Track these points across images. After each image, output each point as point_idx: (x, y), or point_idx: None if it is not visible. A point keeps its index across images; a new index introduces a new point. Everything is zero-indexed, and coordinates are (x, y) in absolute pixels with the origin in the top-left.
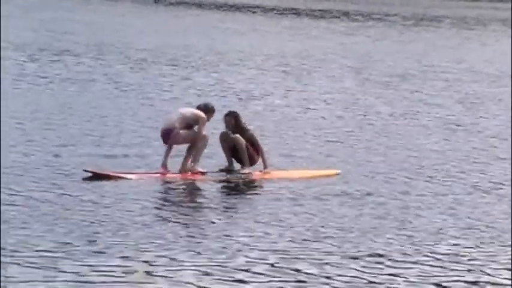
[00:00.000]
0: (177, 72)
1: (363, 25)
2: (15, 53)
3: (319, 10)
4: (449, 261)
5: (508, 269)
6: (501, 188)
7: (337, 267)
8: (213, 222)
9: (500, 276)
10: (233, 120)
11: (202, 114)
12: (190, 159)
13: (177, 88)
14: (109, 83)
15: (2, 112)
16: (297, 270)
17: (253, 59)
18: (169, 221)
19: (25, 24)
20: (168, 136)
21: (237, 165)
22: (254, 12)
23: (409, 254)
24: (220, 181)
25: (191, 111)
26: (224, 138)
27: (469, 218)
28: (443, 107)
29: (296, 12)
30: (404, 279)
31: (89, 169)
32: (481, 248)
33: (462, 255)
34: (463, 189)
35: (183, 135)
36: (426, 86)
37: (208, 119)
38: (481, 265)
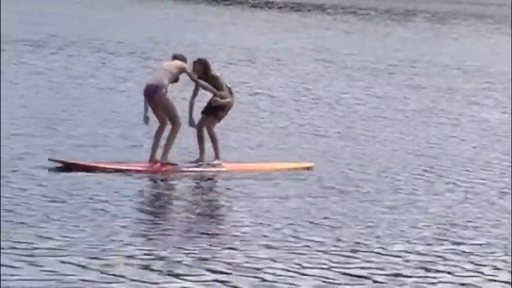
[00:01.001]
0: (148, 65)
1: (337, 18)
2: None
3: (294, 3)
4: (422, 261)
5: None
6: (480, 184)
7: (310, 263)
8: (181, 219)
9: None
10: (202, 68)
11: (183, 63)
12: (159, 149)
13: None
14: (81, 75)
15: None
16: (269, 268)
17: (226, 52)
18: (135, 217)
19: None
20: (153, 94)
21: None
22: (228, 5)
23: (381, 253)
24: (191, 174)
25: (174, 64)
26: (198, 127)
27: (446, 214)
28: (415, 100)
29: (270, 6)
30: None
31: (57, 159)
32: (453, 248)
33: (438, 255)
34: (438, 182)
35: (169, 101)
36: (398, 79)
37: None
38: (454, 266)
